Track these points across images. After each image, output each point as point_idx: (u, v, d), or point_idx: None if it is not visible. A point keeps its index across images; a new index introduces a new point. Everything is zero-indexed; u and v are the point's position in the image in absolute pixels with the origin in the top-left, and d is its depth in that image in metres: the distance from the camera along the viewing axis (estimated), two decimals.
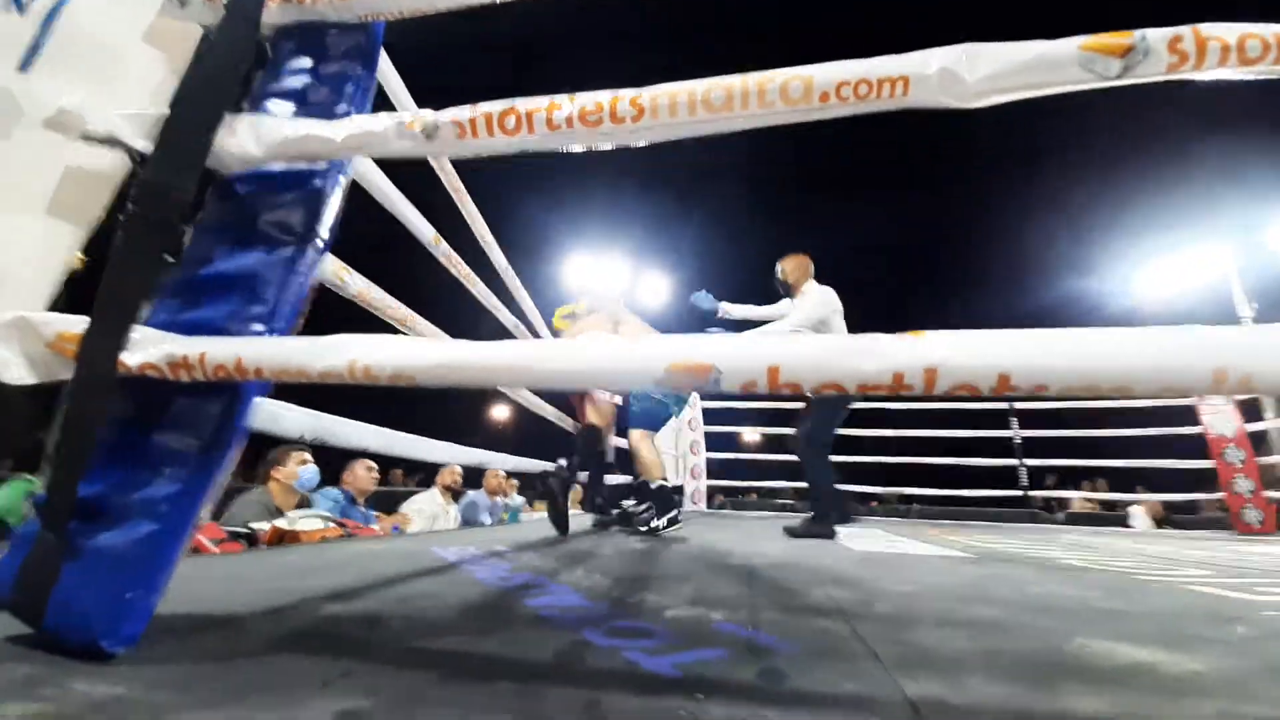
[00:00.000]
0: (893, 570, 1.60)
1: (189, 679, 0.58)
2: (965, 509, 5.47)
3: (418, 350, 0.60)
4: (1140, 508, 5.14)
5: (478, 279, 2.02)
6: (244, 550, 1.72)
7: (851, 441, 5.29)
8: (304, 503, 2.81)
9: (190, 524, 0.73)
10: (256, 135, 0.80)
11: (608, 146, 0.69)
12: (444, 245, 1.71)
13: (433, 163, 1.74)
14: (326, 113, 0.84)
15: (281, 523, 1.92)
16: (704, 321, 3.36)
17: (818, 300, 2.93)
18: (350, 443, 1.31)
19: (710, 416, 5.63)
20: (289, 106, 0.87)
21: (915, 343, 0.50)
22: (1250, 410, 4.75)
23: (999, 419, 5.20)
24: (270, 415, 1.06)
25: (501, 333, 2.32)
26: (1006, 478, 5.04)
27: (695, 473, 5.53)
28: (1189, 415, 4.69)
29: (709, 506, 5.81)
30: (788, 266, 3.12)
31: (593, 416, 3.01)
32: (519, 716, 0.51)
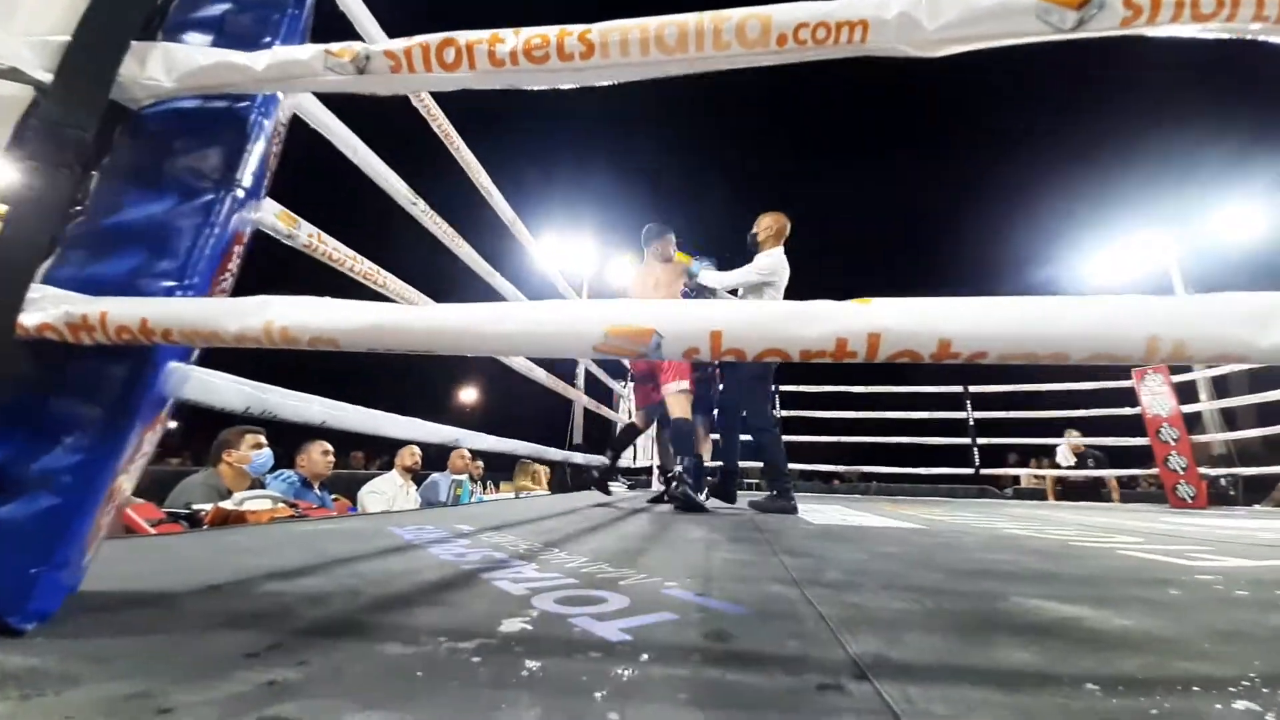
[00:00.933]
0: (847, 541, 1.63)
1: (108, 652, 0.55)
2: (922, 486, 5.68)
3: (342, 312, 0.56)
4: (1064, 444, 5.53)
5: (464, 241, 1.88)
6: (184, 531, 1.63)
7: (818, 423, 5.42)
8: (257, 487, 2.70)
9: (97, 497, 0.68)
10: (167, 65, 0.73)
11: (555, 86, 0.65)
12: (422, 204, 1.61)
13: (415, 103, 1.63)
14: (249, 45, 0.77)
15: (227, 504, 1.83)
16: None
17: (761, 266, 2.95)
18: (300, 417, 1.24)
19: None
20: (206, 36, 0.80)
21: (859, 309, 0.49)
22: (1187, 392, 5.04)
23: (955, 401, 5.39)
24: (203, 386, 0.99)
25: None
26: (961, 457, 5.24)
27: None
28: (1130, 397, 4.95)
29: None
30: (760, 225, 3.12)
31: (681, 404, 2.89)
32: (446, 681, 0.49)
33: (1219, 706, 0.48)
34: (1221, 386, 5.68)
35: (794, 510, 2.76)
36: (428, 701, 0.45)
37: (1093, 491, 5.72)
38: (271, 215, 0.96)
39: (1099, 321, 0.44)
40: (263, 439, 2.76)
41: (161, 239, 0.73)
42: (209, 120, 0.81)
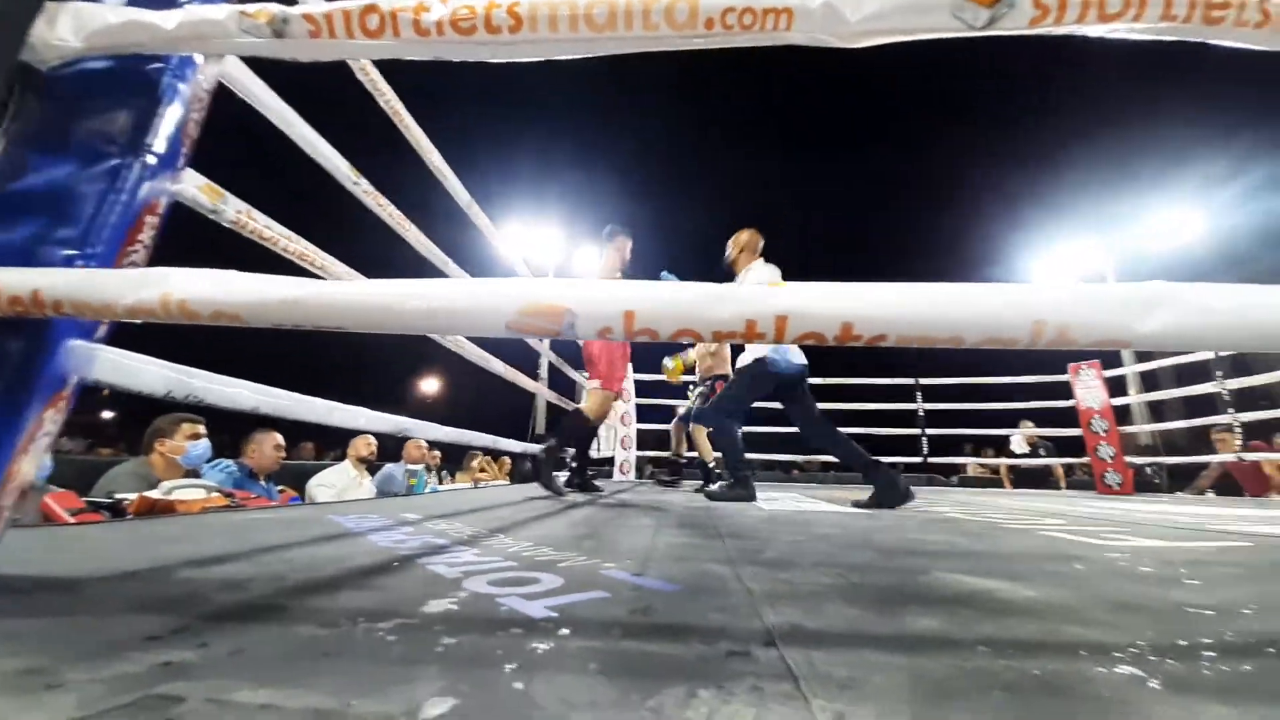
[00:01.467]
0: (791, 525, 1.68)
1: (7, 631, 0.53)
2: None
3: (247, 285, 0.53)
4: (1019, 434, 5.83)
5: (411, 225, 1.82)
6: (106, 521, 1.55)
7: (780, 414, 5.51)
8: (192, 478, 2.58)
9: None
10: (77, 24, 0.68)
11: (483, 59, 0.64)
12: (365, 184, 1.55)
13: (360, 77, 1.56)
14: (164, 4, 0.73)
15: (153, 493, 1.74)
16: None
17: (763, 279, 2.94)
18: (229, 403, 1.19)
19: (642, 388, 5.68)
20: None
21: (769, 292, 0.50)
22: (1118, 386, 5.37)
23: (907, 393, 5.59)
24: (116, 367, 0.94)
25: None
26: (912, 446, 5.46)
27: (625, 443, 5.58)
28: (1066, 391, 5.24)
29: (639, 477, 5.90)
30: (732, 245, 3.16)
31: (591, 403, 3.09)
32: (354, 659, 0.48)
33: (1101, 670, 0.52)
34: (1150, 380, 6.04)
35: (751, 498, 2.80)
36: (327, 677, 0.44)
37: (1043, 479, 6.04)
38: (193, 187, 0.91)
39: (989, 307, 0.47)
40: (201, 429, 2.63)
41: (63, 205, 0.69)
42: (119, 82, 0.76)
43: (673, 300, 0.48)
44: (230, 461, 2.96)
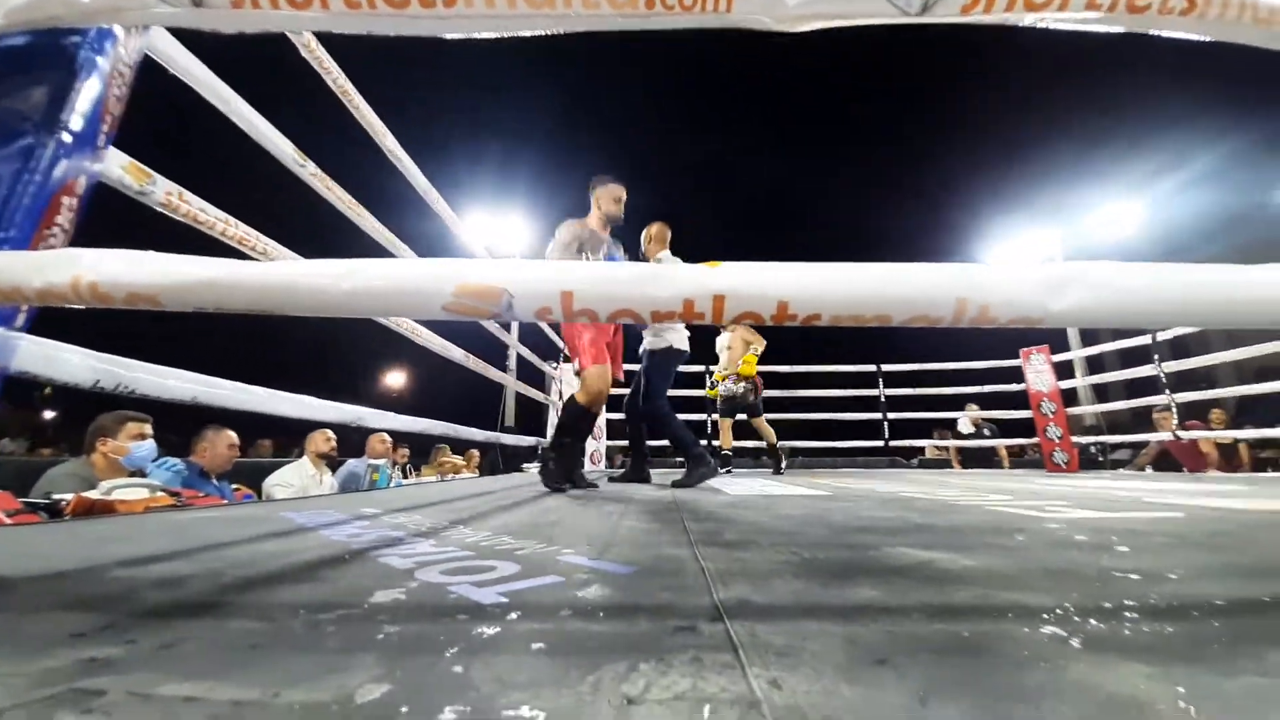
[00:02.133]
0: (754, 508, 1.71)
1: None
2: (840, 459, 6.04)
3: (165, 266, 0.51)
4: (965, 416, 6.07)
5: (365, 211, 1.76)
6: (43, 522, 1.47)
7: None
8: (138, 477, 2.46)
9: None
10: None
11: (416, 34, 0.62)
12: (312, 167, 1.49)
13: (305, 55, 1.49)
14: None
15: (92, 493, 1.66)
16: None
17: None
18: (164, 393, 1.14)
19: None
20: None
21: (705, 271, 0.50)
22: (1065, 370, 5.62)
23: (870, 379, 5.74)
24: (39, 357, 0.89)
25: None
26: (875, 431, 5.62)
27: (595, 433, 5.57)
28: (1019, 375, 5.46)
29: (610, 466, 5.91)
30: (644, 237, 3.35)
31: (581, 386, 2.71)
32: (288, 651, 0.47)
33: (1026, 630, 0.54)
34: (1096, 364, 6.32)
35: (714, 472, 2.90)
36: (258, 669, 0.43)
37: (988, 459, 6.30)
38: (117, 167, 0.86)
39: (916, 286, 0.48)
40: (147, 428, 2.51)
41: None
42: (33, 58, 0.71)
43: (611, 280, 0.48)
44: (178, 460, 2.83)
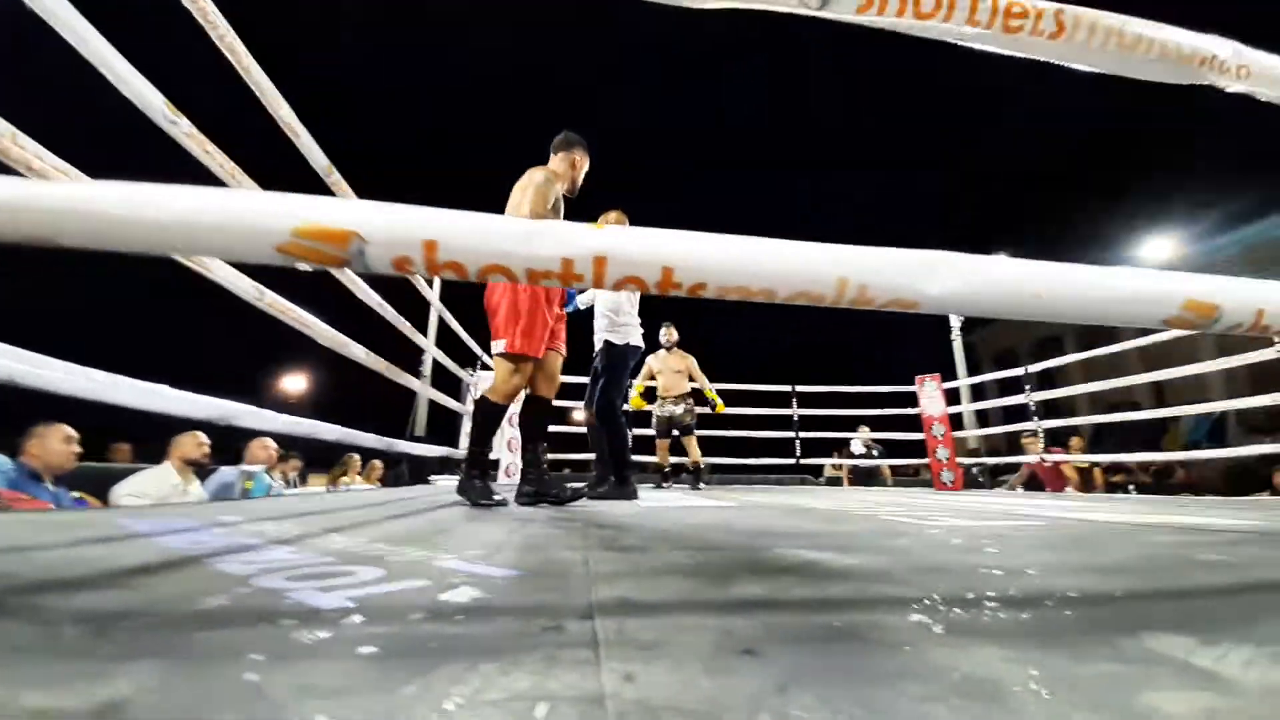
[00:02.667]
0: (660, 516, 1.68)
1: None
2: (755, 476, 6.22)
3: None
4: (857, 438, 6.45)
5: (246, 177, 1.54)
6: None
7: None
8: None
9: None
10: None
11: None
12: (186, 123, 1.29)
13: (188, 4, 1.31)
14: None
15: None
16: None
17: None
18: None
19: None
20: None
21: (589, 231, 0.47)
22: (954, 397, 6.14)
23: (784, 399, 6.00)
24: None
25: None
26: (787, 449, 5.85)
27: (512, 446, 5.38)
28: (914, 399, 5.91)
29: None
30: (607, 220, 3.21)
31: (496, 375, 2.15)
32: (50, 656, 0.37)
33: (895, 619, 0.54)
34: (979, 391, 6.94)
35: (634, 496, 2.81)
36: (7, 671, 0.33)
37: (874, 477, 6.73)
38: None
39: (800, 262, 0.47)
40: None
41: None
42: None
43: (483, 232, 0.43)
44: (6, 459, 2.40)
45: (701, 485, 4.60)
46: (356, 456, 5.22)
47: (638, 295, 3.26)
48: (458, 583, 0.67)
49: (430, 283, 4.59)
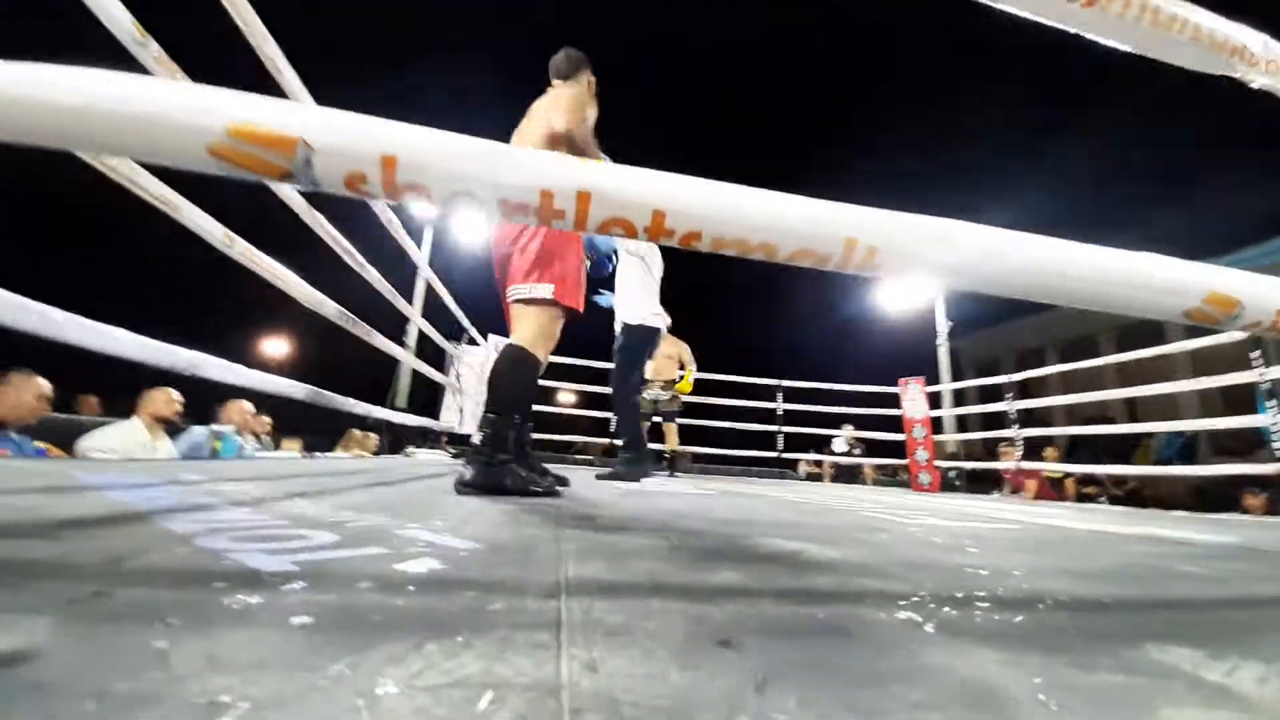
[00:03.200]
0: (641, 499, 1.65)
1: None
2: (735, 467, 6.24)
3: None
4: (842, 436, 6.48)
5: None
6: None
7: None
8: None
9: None
10: None
11: None
12: (155, 47, 1.19)
13: None
14: None
15: None
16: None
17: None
18: None
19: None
20: None
21: (573, 163, 0.42)
22: (935, 400, 6.19)
23: (770, 393, 6.00)
24: None
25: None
26: (769, 442, 5.87)
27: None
28: (896, 400, 5.94)
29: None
30: None
31: (524, 330, 1.64)
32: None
33: (883, 615, 0.51)
34: (959, 396, 7.01)
35: (638, 479, 2.76)
36: None
37: (854, 476, 6.79)
38: None
39: (805, 218, 0.43)
40: None
41: None
42: None
43: (452, 154, 0.38)
44: None
45: (677, 474, 4.59)
46: (357, 431, 5.10)
47: (658, 276, 3.23)
48: (416, 553, 0.62)
49: (419, 244, 4.48)
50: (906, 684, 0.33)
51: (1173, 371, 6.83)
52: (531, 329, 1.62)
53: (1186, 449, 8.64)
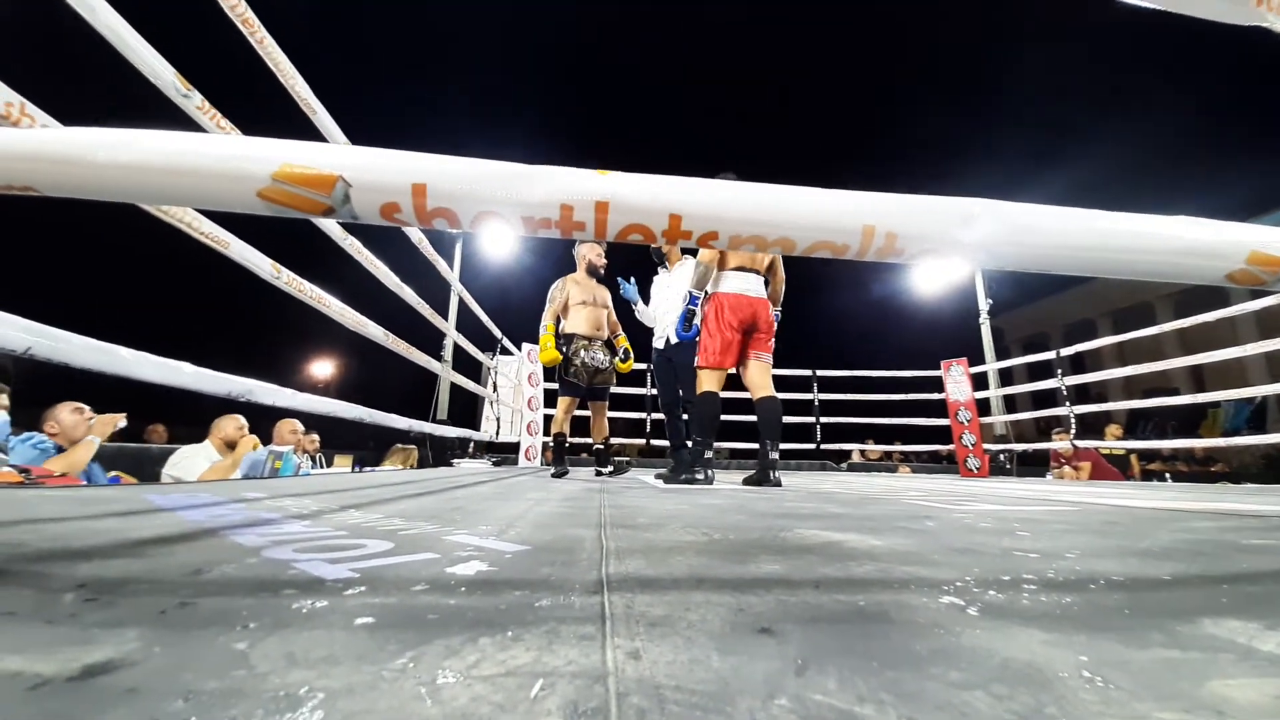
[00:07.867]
0: (679, 497, 1.66)
1: None
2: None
3: None
4: (856, 449, 6.32)
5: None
6: None
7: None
8: None
9: None
10: None
11: None
12: (199, 98, 1.29)
13: None
14: None
15: None
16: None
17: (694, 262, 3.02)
18: None
19: (549, 373, 5.54)
20: None
21: (589, 175, 0.43)
22: (980, 382, 5.98)
23: (805, 384, 5.91)
24: None
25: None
26: (808, 434, 5.78)
27: (532, 429, 5.42)
28: (938, 384, 5.76)
29: (543, 463, 5.75)
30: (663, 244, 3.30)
31: (708, 380, 2.90)
32: (35, 622, 0.37)
33: (925, 600, 0.51)
34: (1006, 376, 6.75)
35: (692, 483, 2.70)
36: None
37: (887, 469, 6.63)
38: None
39: (820, 210, 0.43)
40: (4, 398, 2.19)
41: None
42: None
43: (475, 176, 0.40)
44: (43, 436, 2.48)
45: (603, 472, 3.75)
46: (401, 445, 5.26)
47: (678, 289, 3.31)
48: (465, 556, 0.65)
49: (450, 263, 4.60)
50: (946, 664, 0.33)
51: (1238, 336, 6.41)
52: (706, 382, 2.84)
53: (1256, 416, 8.08)
